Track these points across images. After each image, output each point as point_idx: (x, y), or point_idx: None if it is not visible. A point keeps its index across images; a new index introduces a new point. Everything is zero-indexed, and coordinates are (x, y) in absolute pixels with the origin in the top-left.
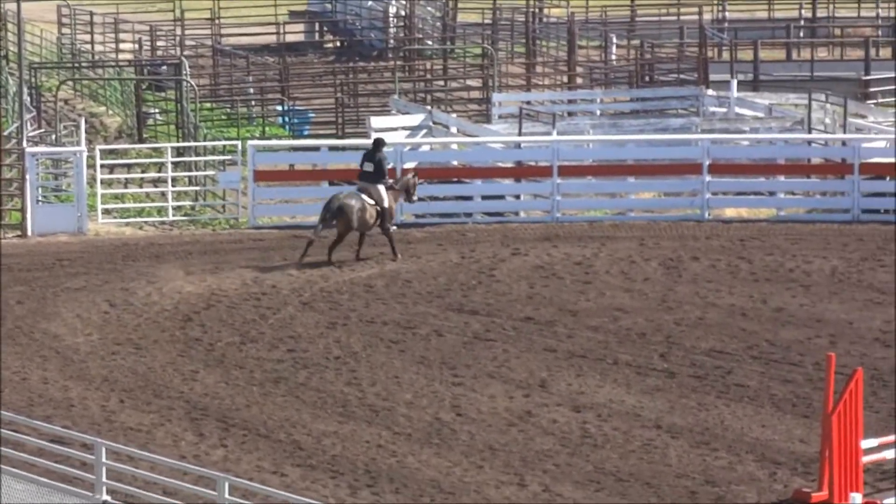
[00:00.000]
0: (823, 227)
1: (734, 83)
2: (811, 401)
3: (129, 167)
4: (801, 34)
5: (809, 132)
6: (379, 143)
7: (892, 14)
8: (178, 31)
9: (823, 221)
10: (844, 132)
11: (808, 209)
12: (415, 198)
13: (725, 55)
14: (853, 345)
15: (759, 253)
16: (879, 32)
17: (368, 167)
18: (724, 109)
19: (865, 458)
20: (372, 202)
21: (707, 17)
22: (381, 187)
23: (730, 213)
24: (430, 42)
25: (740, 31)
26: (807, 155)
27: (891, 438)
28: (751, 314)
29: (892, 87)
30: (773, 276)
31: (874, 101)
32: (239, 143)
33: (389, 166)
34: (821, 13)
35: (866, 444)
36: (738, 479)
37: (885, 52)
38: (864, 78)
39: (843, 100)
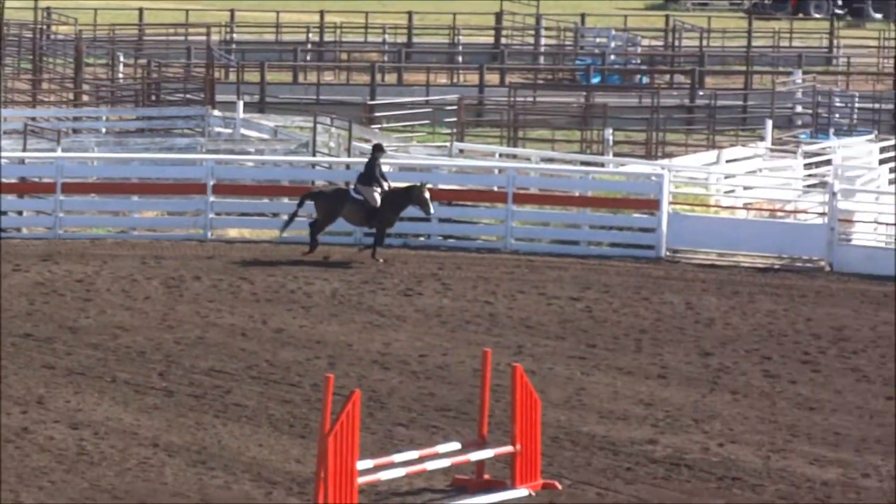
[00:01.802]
0: (325, 250)
1: (240, 104)
2: (308, 421)
3: None
4: (308, 57)
5: (314, 155)
6: (374, 149)
7: (398, 40)
8: None
9: (327, 243)
10: (349, 156)
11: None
12: (431, 211)
13: (232, 76)
14: (351, 366)
15: (262, 274)
16: (385, 58)
17: (364, 170)
18: (229, 130)
19: (361, 479)
20: (361, 198)
21: (215, 38)
22: (374, 190)
23: (233, 233)
24: None
25: (248, 52)
26: (311, 177)
27: (386, 460)
28: (251, 334)
29: (396, 111)
30: (275, 297)
31: (379, 125)
32: None
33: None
34: (328, 38)
35: (362, 465)
36: (233, 498)
37: (391, 78)
38: (370, 102)
39: (349, 123)
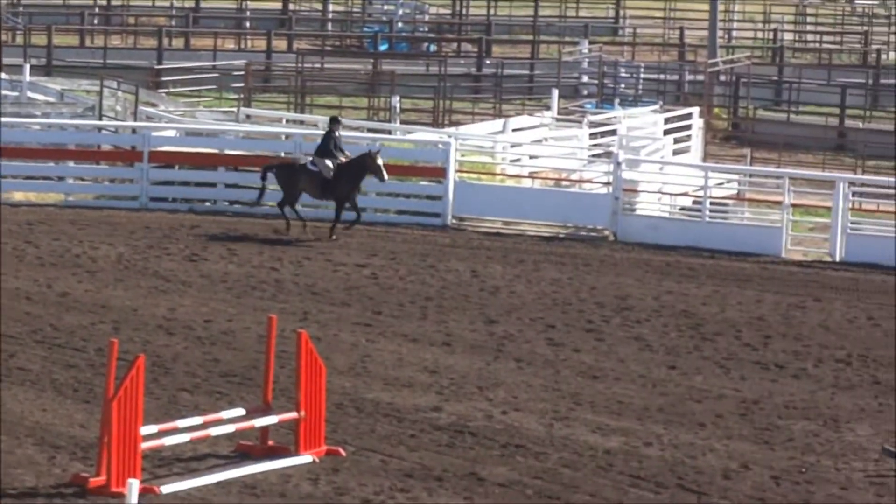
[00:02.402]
0: (111, 214)
1: (27, 67)
2: (93, 386)
3: None
4: (96, 21)
5: (100, 118)
6: (331, 121)
7: (186, 5)
8: None
9: (112, 208)
10: (135, 120)
11: (96, 195)
12: (385, 177)
13: (19, 39)
14: (136, 331)
15: (47, 238)
16: (173, 22)
17: (321, 143)
18: (16, 93)
19: (144, 445)
20: (317, 170)
21: (2, 1)
22: (328, 161)
23: (19, 196)
24: None
25: (35, 15)
26: (97, 141)
27: (170, 425)
28: (36, 298)
29: (183, 76)
30: (60, 261)
31: (166, 89)
32: None
33: (339, 142)
34: (115, 1)
35: (146, 430)
36: (16, 463)
37: (178, 43)
38: (157, 67)
39: (135, 88)
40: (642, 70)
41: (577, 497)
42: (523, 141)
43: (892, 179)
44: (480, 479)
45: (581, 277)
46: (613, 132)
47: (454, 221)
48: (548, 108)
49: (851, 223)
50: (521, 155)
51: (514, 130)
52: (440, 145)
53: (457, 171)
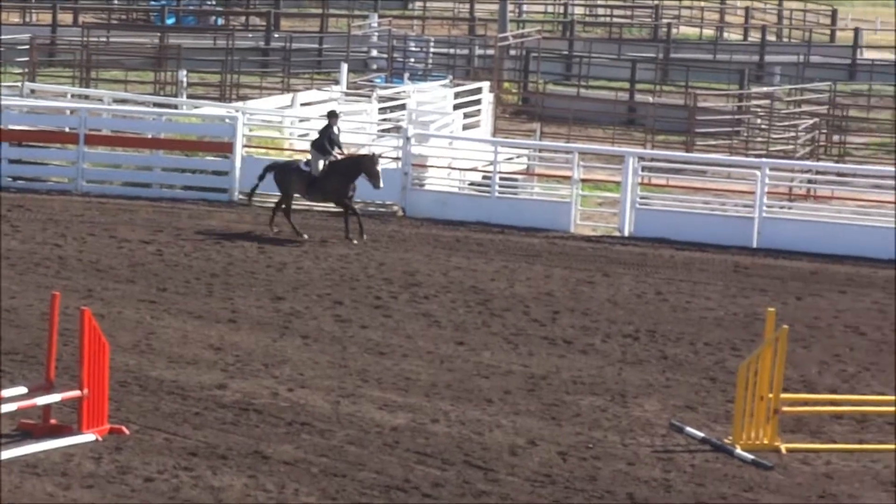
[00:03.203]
0: None
1: None
2: None
3: None
4: None
5: None
6: (328, 115)
7: None
8: None
9: None
10: None
11: None
12: (381, 184)
13: None
14: None
15: None
16: None
17: (318, 137)
18: None
19: None
20: (307, 169)
21: None
22: (320, 159)
23: None
24: None
25: None
26: None
27: None
28: None
29: None
30: None
31: None
32: None
33: (335, 138)
34: None
35: None
36: None
37: None
38: None
39: None
40: (432, 44)
41: (363, 475)
42: (312, 115)
43: (682, 154)
44: (265, 457)
45: (369, 253)
46: (403, 107)
47: (241, 197)
48: (337, 82)
49: (640, 198)
50: (309, 130)
51: (302, 105)
52: (227, 120)
53: (244, 146)
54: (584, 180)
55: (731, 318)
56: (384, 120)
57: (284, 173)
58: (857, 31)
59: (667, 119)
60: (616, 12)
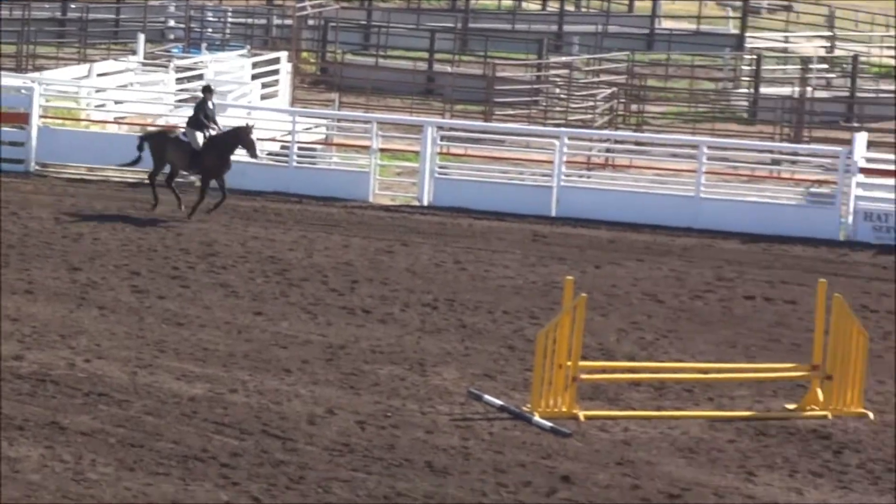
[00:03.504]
0: None
1: None
2: None
3: None
4: None
5: None
6: (203, 90)
7: None
8: None
9: None
10: None
11: None
12: (258, 154)
13: None
14: None
15: None
16: None
17: (193, 112)
18: None
19: None
20: (187, 140)
21: None
22: (198, 133)
23: None
24: None
25: None
26: None
27: None
28: None
29: None
30: None
31: None
32: None
33: (210, 113)
34: None
35: None
36: None
37: None
38: None
39: None
40: (230, 14)
41: (160, 444)
42: (108, 86)
43: (481, 124)
44: (62, 427)
45: (166, 223)
46: (200, 77)
47: (38, 168)
48: (134, 52)
49: (439, 168)
50: (106, 100)
51: (99, 76)
52: (23, 91)
53: (40, 116)
54: (382, 150)
55: (530, 287)
56: (182, 90)
57: (161, 142)
58: (654, 0)
59: (465, 89)
60: None
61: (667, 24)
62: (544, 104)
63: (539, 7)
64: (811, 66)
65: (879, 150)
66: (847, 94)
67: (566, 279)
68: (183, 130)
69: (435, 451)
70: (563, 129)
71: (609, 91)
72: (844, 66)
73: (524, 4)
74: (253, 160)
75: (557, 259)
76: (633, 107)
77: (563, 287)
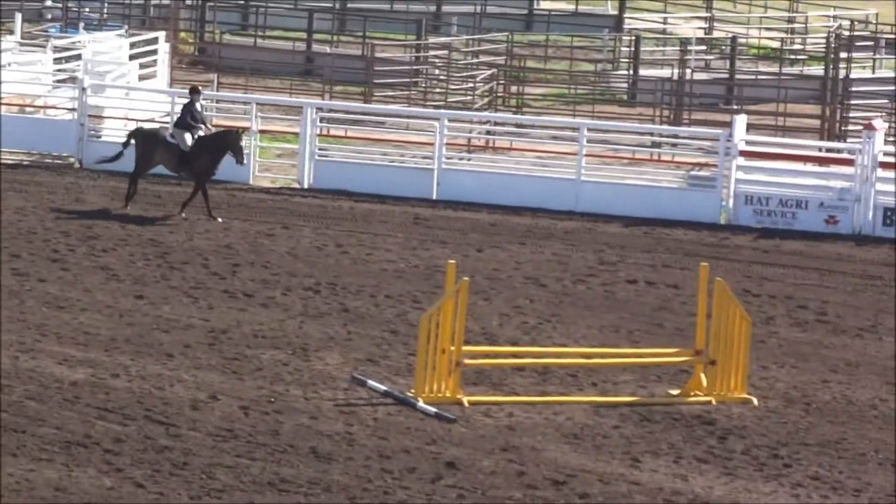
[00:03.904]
0: None
1: None
2: None
3: None
4: None
5: None
6: (191, 91)
7: None
8: None
9: None
10: None
11: None
12: (244, 161)
13: None
14: None
15: None
16: None
17: (180, 113)
18: None
19: None
20: (174, 142)
21: None
22: (186, 134)
23: None
24: None
25: None
26: None
27: None
28: None
29: None
30: None
31: None
32: None
33: (198, 115)
34: None
35: None
36: None
37: None
38: None
39: None
40: None
41: (43, 430)
42: None
43: (360, 105)
44: None
45: (46, 206)
46: (78, 57)
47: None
48: (11, 32)
49: (319, 149)
50: None
51: None
52: None
53: None
54: (262, 131)
55: (412, 271)
56: (59, 70)
57: (150, 141)
58: None
59: (345, 70)
60: None
61: (545, 4)
62: (424, 85)
63: None
64: (690, 47)
65: (759, 133)
66: (726, 75)
67: (448, 263)
68: (171, 132)
69: (319, 437)
70: (443, 111)
71: (488, 72)
72: (723, 47)
73: None
74: (239, 165)
75: (439, 242)
76: (513, 88)
77: (445, 271)
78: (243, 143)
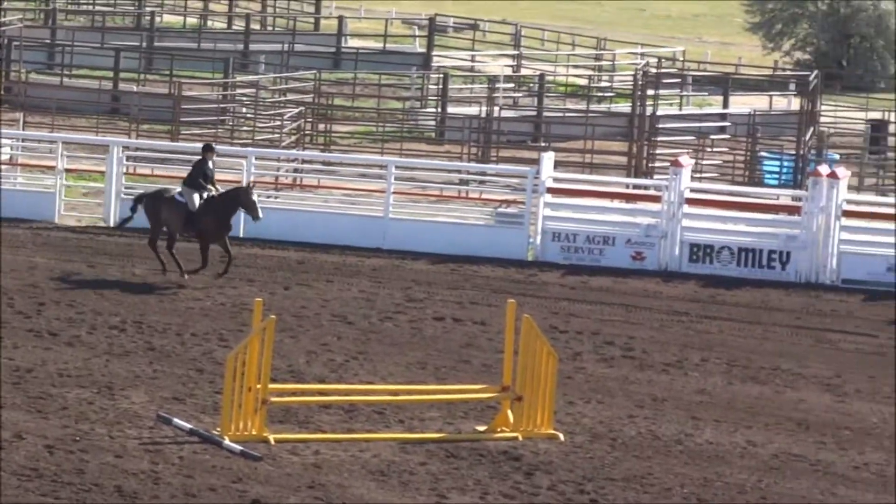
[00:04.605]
0: None
1: None
2: None
3: None
4: None
5: None
6: (203, 149)
7: None
8: None
9: None
10: None
11: None
12: (260, 216)
13: None
14: None
15: None
16: None
17: (191, 171)
18: None
19: None
20: (182, 201)
21: None
22: (195, 193)
23: None
24: None
25: None
26: None
27: None
28: None
29: None
30: None
31: None
32: None
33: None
34: None
35: None
36: None
37: None
38: None
39: None
40: None
41: None
42: None
43: (167, 143)
44: None
45: None
46: None
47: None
48: None
49: (125, 188)
50: None
51: None
52: None
53: None
54: (68, 170)
55: (219, 309)
56: None
57: (156, 203)
58: (341, 19)
59: (151, 108)
60: (99, 1)
61: (353, 42)
62: (231, 123)
63: (224, 25)
64: (498, 85)
65: (567, 170)
66: (534, 113)
67: (255, 301)
68: (179, 190)
69: (125, 476)
70: (250, 148)
71: (296, 110)
72: (531, 85)
73: (210, 23)
74: (255, 222)
75: (247, 280)
76: (321, 126)
77: (252, 308)
78: (255, 199)
